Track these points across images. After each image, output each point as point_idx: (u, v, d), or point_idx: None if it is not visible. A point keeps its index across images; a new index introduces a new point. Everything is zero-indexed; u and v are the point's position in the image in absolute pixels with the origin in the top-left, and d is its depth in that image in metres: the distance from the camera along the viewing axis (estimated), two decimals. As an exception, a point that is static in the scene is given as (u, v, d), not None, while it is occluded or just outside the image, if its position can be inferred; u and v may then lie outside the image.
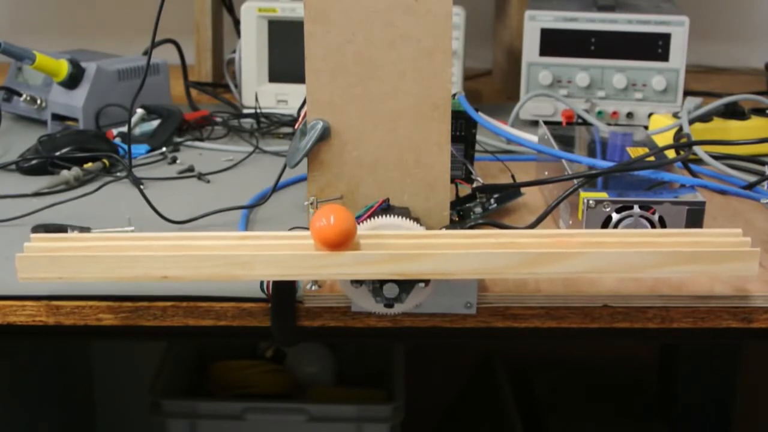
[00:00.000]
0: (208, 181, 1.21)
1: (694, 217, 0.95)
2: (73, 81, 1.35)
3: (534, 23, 1.41)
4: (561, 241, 0.84)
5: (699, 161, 1.18)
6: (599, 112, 1.42)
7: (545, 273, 0.83)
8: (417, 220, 0.89)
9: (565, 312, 0.90)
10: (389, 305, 0.85)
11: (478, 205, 1.06)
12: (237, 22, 1.64)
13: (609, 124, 1.36)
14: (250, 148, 1.31)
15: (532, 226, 0.98)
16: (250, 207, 1.09)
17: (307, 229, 0.89)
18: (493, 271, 0.82)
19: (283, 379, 1.74)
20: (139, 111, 1.35)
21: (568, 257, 0.82)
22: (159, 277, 0.81)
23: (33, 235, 0.85)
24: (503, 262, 0.82)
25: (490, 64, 1.80)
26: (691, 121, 1.24)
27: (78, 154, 1.23)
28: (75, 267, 0.81)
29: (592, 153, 1.09)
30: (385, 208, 0.92)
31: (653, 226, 0.95)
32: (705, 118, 1.28)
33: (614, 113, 1.41)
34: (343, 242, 0.80)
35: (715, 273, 0.87)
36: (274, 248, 0.82)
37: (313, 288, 0.89)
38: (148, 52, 1.12)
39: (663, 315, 0.90)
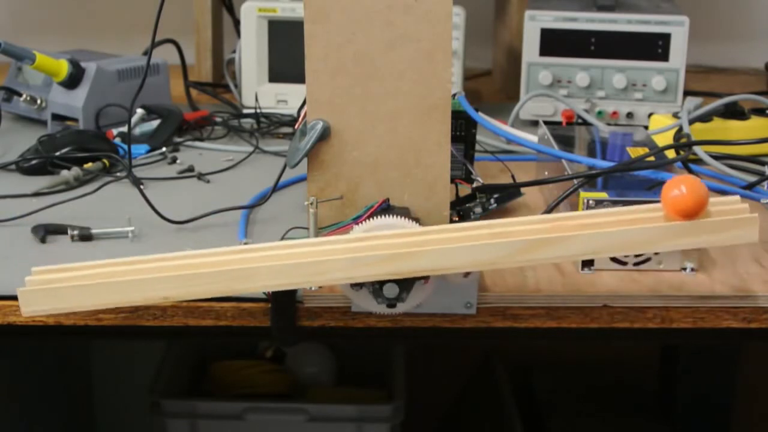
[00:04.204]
0: (208, 181, 1.21)
1: (694, 217, 0.95)
2: (73, 81, 1.35)
3: (534, 23, 1.41)
4: (556, 226, 0.83)
5: (699, 161, 1.18)
6: (599, 112, 1.42)
7: (543, 258, 0.82)
8: (417, 220, 0.89)
9: (565, 312, 0.90)
10: (391, 305, 0.85)
11: (478, 205, 1.06)
12: (237, 22, 1.64)
13: (609, 124, 1.36)
14: (250, 148, 1.31)
15: (532, 226, 0.98)
16: (250, 207, 1.08)
17: (306, 228, 0.90)
18: (490, 261, 0.82)
19: (283, 379, 1.74)
20: (139, 111, 1.35)
21: (564, 240, 0.81)
22: (160, 298, 0.81)
23: (34, 269, 0.85)
24: (499, 251, 0.81)
25: (490, 64, 1.80)
26: (691, 121, 1.24)
27: (78, 154, 1.23)
28: (74, 298, 0.81)
29: (592, 153, 1.09)
30: (385, 208, 0.92)
31: (653, 226, 0.95)
32: (705, 118, 1.28)
33: (614, 113, 1.41)
34: (698, 211, 0.80)
35: (715, 243, 0.83)
36: (271, 259, 0.82)
37: (313, 288, 0.89)
38: (148, 52, 1.12)
39: (663, 315, 0.90)
